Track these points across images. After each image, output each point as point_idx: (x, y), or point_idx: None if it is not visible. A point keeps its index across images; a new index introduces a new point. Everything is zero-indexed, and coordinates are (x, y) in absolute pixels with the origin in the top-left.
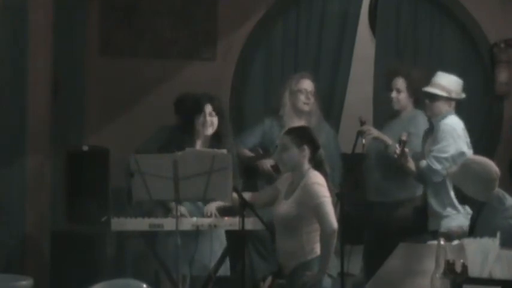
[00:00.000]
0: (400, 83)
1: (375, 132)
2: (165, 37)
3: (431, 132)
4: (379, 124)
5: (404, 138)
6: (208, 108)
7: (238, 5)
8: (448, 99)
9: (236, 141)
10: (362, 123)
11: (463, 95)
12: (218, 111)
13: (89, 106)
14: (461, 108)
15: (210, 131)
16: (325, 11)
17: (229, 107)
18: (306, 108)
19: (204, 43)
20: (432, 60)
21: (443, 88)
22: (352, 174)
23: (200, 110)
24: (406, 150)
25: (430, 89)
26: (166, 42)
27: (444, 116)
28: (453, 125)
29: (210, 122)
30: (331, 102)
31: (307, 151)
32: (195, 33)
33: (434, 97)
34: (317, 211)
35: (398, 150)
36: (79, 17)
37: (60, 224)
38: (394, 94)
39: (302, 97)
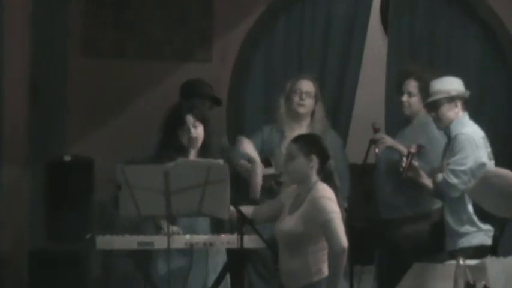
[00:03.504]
0: (412, 85)
1: (389, 141)
2: (155, 36)
3: (449, 144)
4: (392, 131)
5: (412, 150)
6: (190, 119)
7: (236, 0)
8: (450, 100)
9: (233, 151)
10: (375, 130)
11: (466, 92)
12: (201, 119)
13: (71, 112)
14: (482, 112)
15: (198, 143)
16: (332, 7)
17: (226, 113)
18: (301, 110)
19: (199, 43)
20: (451, 61)
21: (440, 92)
22: (362, 188)
23: (181, 122)
24: (415, 163)
25: (429, 100)
26: (158, 42)
27: (460, 124)
28: (471, 134)
29: (195, 133)
30: (338, 107)
31: (315, 161)
32: (189, 32)
33: (435, 105)
34: (325, 228)
35: (404, 164)
36: (60, 13)
37: (39, 242)
38: (405, 98)
39: (296, 98)
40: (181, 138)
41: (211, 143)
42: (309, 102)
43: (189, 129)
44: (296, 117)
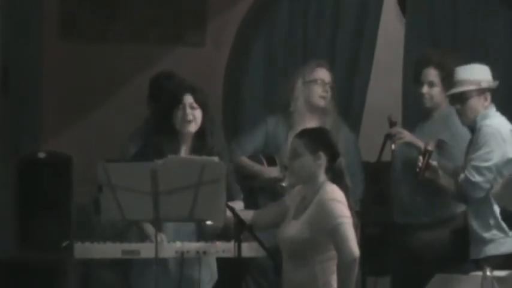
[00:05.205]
0: (433, 74)
1: (407, 136)
2: (142, 17)
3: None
4: (410, 125)
5: (430, 147)
6: (189, 99)
7: None
8: (481, 91)
9: (232, 147)
10: (391, 124)
11: (495, 83)
12: (201, 103)
13: (46, 103)
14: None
15: (193, 127)
16: None
17: (222, 104)
18: (322, 103)
19: (191, 24)
20: (476, 47)
21: (470, 82)
22: (376, 188)
23: (178, 101)
24: (434, 163)
25: (455, 90)
26: (144, 22)
27: (485, 116)
28: (497, 126)
29: (192, 116)
30: (349, 99)
31: (323, 159)
32: (179, 11)
33: (463, 97)
34: (334, 234)
35: (421, 163)
36: None
37: (9, 250)
38: (425, 89)
39: (319, 89)
40: (174, 121)
41: (208, 132)
42: (330, 94)
43: (185, 109)
44: (313, 110)
